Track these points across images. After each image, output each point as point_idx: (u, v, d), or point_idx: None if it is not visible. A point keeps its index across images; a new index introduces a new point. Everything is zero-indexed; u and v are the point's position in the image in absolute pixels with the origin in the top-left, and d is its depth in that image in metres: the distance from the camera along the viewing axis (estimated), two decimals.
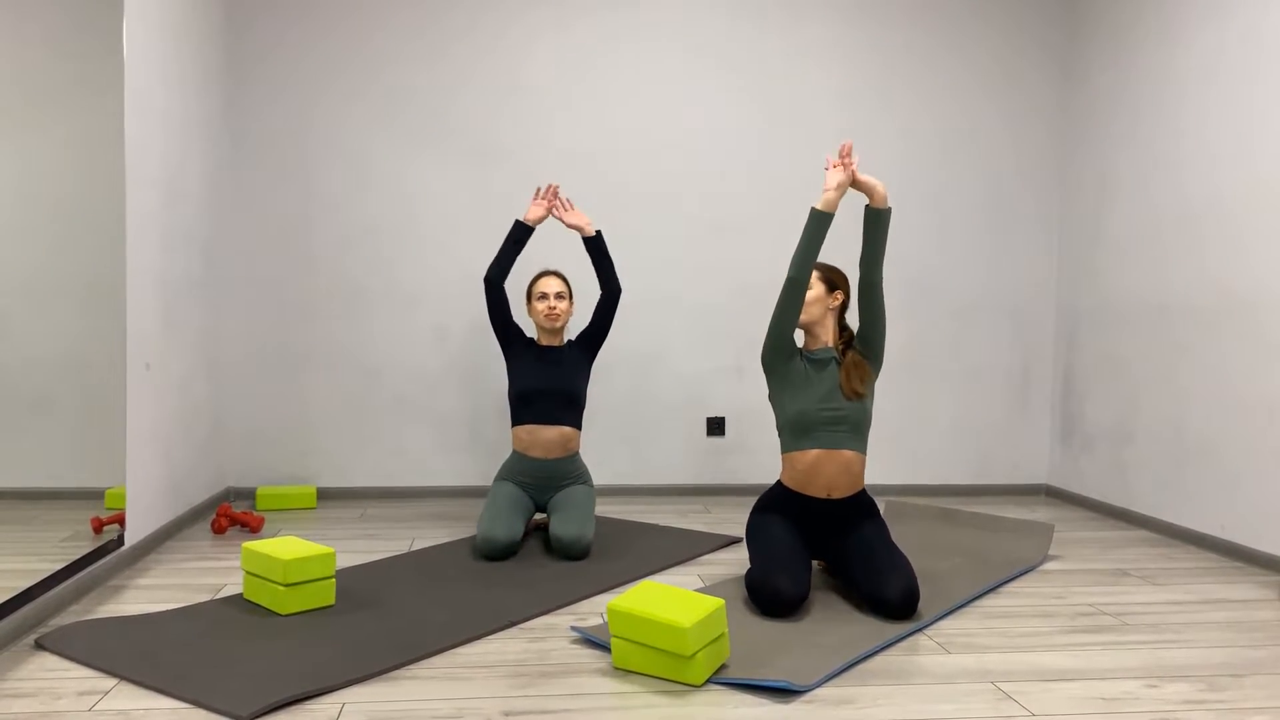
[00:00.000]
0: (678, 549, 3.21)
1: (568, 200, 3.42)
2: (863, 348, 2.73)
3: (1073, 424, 4.27)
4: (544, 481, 3.30)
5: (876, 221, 2.63)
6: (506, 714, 1.88)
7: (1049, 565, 3.12)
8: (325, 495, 4.13)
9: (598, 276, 3.37)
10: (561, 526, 3.06)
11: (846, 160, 2.62)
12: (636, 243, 4.20)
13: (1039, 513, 4.03)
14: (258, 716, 1.84)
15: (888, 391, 4.36)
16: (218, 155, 3.86)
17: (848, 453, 2.65)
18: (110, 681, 2.01)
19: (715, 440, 4.31)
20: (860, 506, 2.70)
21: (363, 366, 4.14)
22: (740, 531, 3.54)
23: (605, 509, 3.95)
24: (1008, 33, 4.37)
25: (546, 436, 3.27)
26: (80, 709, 1.87)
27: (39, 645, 2.20)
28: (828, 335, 2.74)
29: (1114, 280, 3.99)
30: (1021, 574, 2.98)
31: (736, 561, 3.10)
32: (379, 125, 4.11)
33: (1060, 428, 4.38)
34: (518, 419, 3.30)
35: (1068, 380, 4.33)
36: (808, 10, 4.27)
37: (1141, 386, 3.79)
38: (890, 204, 2.65)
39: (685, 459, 4.30)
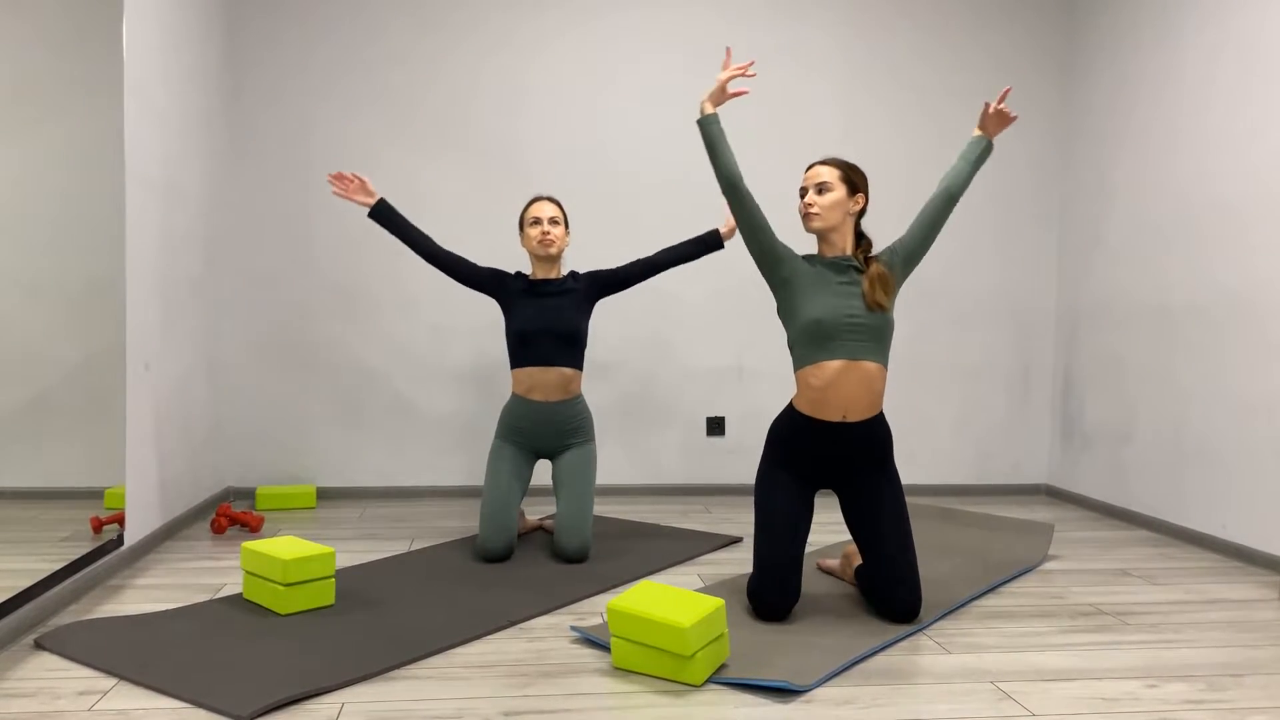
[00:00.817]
0: (678, 549, 3.21)
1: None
2: (906, 253, 2.56)
3: (1073, 424, 4.27)
4: (546, 427, 3.13)
5: (980, 151, 2.57)
6: (506, 714, 1.88)
7: (1049, 565, 3.12)
8: (325, 495, 4.13)
9: (673, 257, 3.21)
10: (564, 535, 3.03)
11: (735, 74, 2.55)
12: (637, 242, 4.19)
13: (1039, 513, 4.03)
14: (257, 716, 1.84)
15: (888, 391, 4.36)
16: (217, 155, 3.86)
17: (869, 364, 2.43)
18: (110, 681, 2.01)
19: (715, 440, 4.31)
20: (877, 441, 2.51)
21: (363, 366, 4.14)
22: (740, 531, 3.53)
23: (605, 509, 3.95)
24: (1008, 33, 4.37)
25: (546, 379, 3.10)
26: (80, 709, 1.87)
27: (38, 645, 2.20)
28: (845, 243, 2.54)
29: (1114, 280, 3.99)
30: (1021, 574, 2.98)
31: (736, 561, 3.10)
32: (379, 124, 4.11)
33: (1060, 427, 4.38)
34: (515, 361, 3.13)
35: (1068, 380, 4.32)
36: (808, 11, 4.27)
37: (1142, 386, 3.79)
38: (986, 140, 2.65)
39: (685, 459, 4.30)
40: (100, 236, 2.64)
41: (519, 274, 3.21)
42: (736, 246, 4.25)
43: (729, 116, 4.24)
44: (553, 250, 3.13)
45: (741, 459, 4.31)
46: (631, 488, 4.27)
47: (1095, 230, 4.14)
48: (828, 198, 2.50)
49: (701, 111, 2.54)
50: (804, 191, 2.54)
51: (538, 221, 3.12)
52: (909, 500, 3.71)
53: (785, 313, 2.54)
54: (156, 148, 3.14)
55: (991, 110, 2.60)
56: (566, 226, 3.20)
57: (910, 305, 4.36)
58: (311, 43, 4.06)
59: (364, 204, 3.10)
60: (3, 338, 2.16)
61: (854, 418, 2.47)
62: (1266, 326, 3.15)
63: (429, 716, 1.86)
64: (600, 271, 3.22)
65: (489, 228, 4.13)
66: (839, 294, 2.46)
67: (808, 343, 2.46)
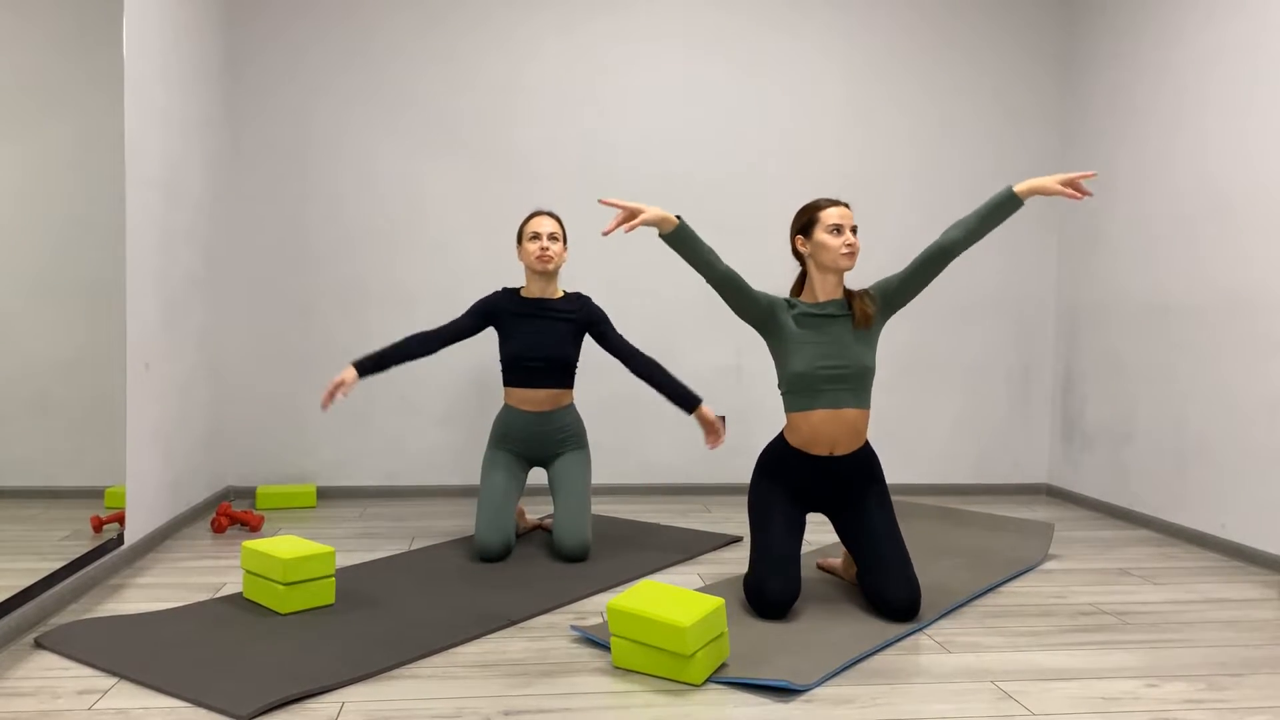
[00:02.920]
0: (678, 548, 3.21)
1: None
2: (888, 298, 2.61)
3: (1073, 423, 4.27)
4: (538, 435, 3.18)
5: (1011, 207, 2.52)
6: (506, 713, 1.88)
7: (1049, 565, 3.12)
8: (325, 494, 4.13)
9: (646, 378, 3.18)
10: (564, 531, 3.04)
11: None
12: (638, 242, 4.20)
13: (1039, 512, 4.03)
14: (257, 715, 1.84)
15: (888, 391, 4.36)
16: (218, 154, 3.86)
17: (852, 411, 2.55)
18: (110, 680, 2.01)
19: None
20: (863, 465, 2.62)
21: None
22: (740, 531, 3.54)
23: (605, 509, 3.95)
24: (1008, 33, 4.36)
25: (536, 397, 3.16)
26: (80, 708, 1.87)
27: (38, 644, 2.20)
28: (841, 288, 2.63)
29: (1114, 280, 3.99)
30: (1022, 574, 2.98)
31: (736, 561, 3.10)
32: (380, 124, 4.10)
33: (1060, 427, 4.38)
34: (508, 380, 3.18)
35: (1068, 379, 4.32)
36: (810, 11, 4.27)
37: (1142, 386, 3.79)
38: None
39: (685, 459, 4.30)
40: (101, 236, 2.64)
41: (508, 291, 3.21)
42: (738, 247, 4.26)
43: (730, 117, 4.24)
44: (550, 266, 3.13)
45: (741, 459, 4.31)
46: (631, 488, 4.27)
47: (1095, 230, 4.13)
48: (858, 239, 2.59)
49: (662, 231, 2.52)
50: (838, 230, 2.55)
51: (536, 237, 3.12)
52: (909, 500, 3.71)
53: (774, 358, 2.66)
54: (157, 147, 3.14)
55: (1063, 184, 2.50)
56: (565, 242, 3.20)
57: (911, 305, 4.36)
58: (311, 42, 4.06)
59: (343, 391, 2.95)
60: (3, 337, 2.16)
61: (840, 452, 2.60)
62: (1266, 326, 3.15)
63: (429, 716, 1.86)
64: (601, 326, 3.19)
65: (487, 227, 4.13)
66: (822, 346, 2.56)
67: (793, 392, 2.59)
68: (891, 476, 4.39)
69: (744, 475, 4.31)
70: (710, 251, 2.55)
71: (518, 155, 4.16)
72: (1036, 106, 4.39)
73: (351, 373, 2.98)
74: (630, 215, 2.49)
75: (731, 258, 4.25)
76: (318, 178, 4.09)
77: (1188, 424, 3.52)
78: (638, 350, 3.22)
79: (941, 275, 4.36)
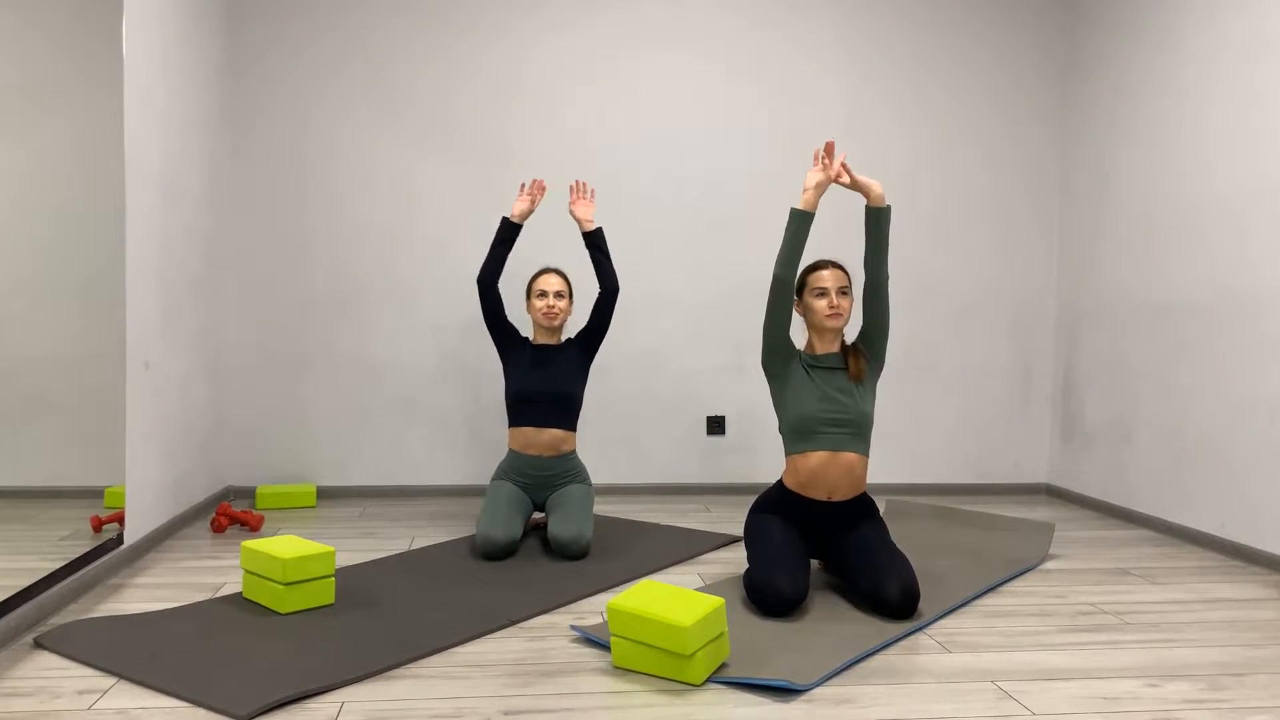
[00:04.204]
0: (678, 548, 3.21)
1: (587, 188, 3.40)
2: (867, 344, 2.73)
3: (1073, 423, 4.27)
4: (540, 480, 3.30)
5: (876, 221, 2.62)
6: (505, 713, 1.88)
7: (1049, 564, 3.12)
8: (325, 494, 4.13)
9: (596, 274, 3.36)
10: (559, 526, 3.06)
11: (827, 160, 2.62)
12: (637, 241, 4.20)
13: (1039, 512, 4.03)
14: (256, 715, 1.84)
15: (888, 391, 4.36)
16: (218, 154, 3.86)
17: (850, 455, 2.64)
18: (109, 680, 2.01)
19: (715, 439, 4.31)
20: (861, 509, 2.70)
21: (363, 366, 4.13)
22: (740, 530, 3.53)
23: (605, 509, 3.95)
24: (1008, 33, 4.36)
25: (539, 440, 3.27)
26: (79, 708, 1.87)
27: (38, 644, 2.20)
28: (839, 338, 2.74)
29: (1114, 279, 3.99)
30: (1022, 573, 2.98)
31: (736, 561, 3.10)
32: (380, 124, 4.10)
33: (1061, 427, 4.38)
34: (513, 421, 3.31)
35: (1068, 379, 4.32)
36: (809, 11, 4.27)
37: (1142, 385, 3.79)
38: (888, 202, 2.63)
39: (685, 458, 4.30)
40: (100, 235, 2.64)
41: (525, 339, 3.38)
42: (737, 246, 4.25)
43: (730, 117, 4.24)
44: (555, 323, 3.31)
45: (742, 458, 4.31)
46: (631, 487, 4.27)
47: (1095, 229, 4.13)
48: (848, 300, 2.68)
49: (804, 205, 2.62)
50: (823, 293, 2.67)
51: (544, 294, 3.30)
52: (909, 499, 3.71)
53: (777, 403, 2.73)
54: (157, 147, 3.14)
55: (835, 170, 2.61)
56: (571, 298, 3.36)
57: (911, 304, 4.36)
58: (310, 41, 4.06)
59: (518, 214, 3.30)
60: (3, 337, 2.16)
61: (838, 498, 2.66)
62: (1267, 325, 3.15)
63: (429, 715, 1.86)
64: (581, 330, 3.38)
65: (486, 226, 4.12)
66: (825, 393, 2.65)
67: (795, 434, 2.67)
68: (892, 476, 4.39)
69: (744, 475, 4.31)
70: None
71: (517, 154, 4.16)
72: (1036, 107, 4.39)
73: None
74: (845, 173, 2.62)
75: (731, 258, 4.25)
76: (317, 177, 4.09)
77: (1188, 424, 3.52)
78: (598, 296, 3.35)
79: (941, 275, 4.36)
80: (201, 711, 1.86)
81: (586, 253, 3.45)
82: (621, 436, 4.26)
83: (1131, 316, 3.87)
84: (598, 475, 4.25)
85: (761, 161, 4.26)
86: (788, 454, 2.70)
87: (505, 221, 3.30)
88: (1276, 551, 3.10)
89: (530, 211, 3.32)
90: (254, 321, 4.08)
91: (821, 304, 2.67)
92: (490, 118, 4.15)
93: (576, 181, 3.37)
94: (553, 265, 3.54)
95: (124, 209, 2.81)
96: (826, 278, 2.68)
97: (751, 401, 4.31)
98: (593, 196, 3.40)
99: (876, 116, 4.31)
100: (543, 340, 3.36)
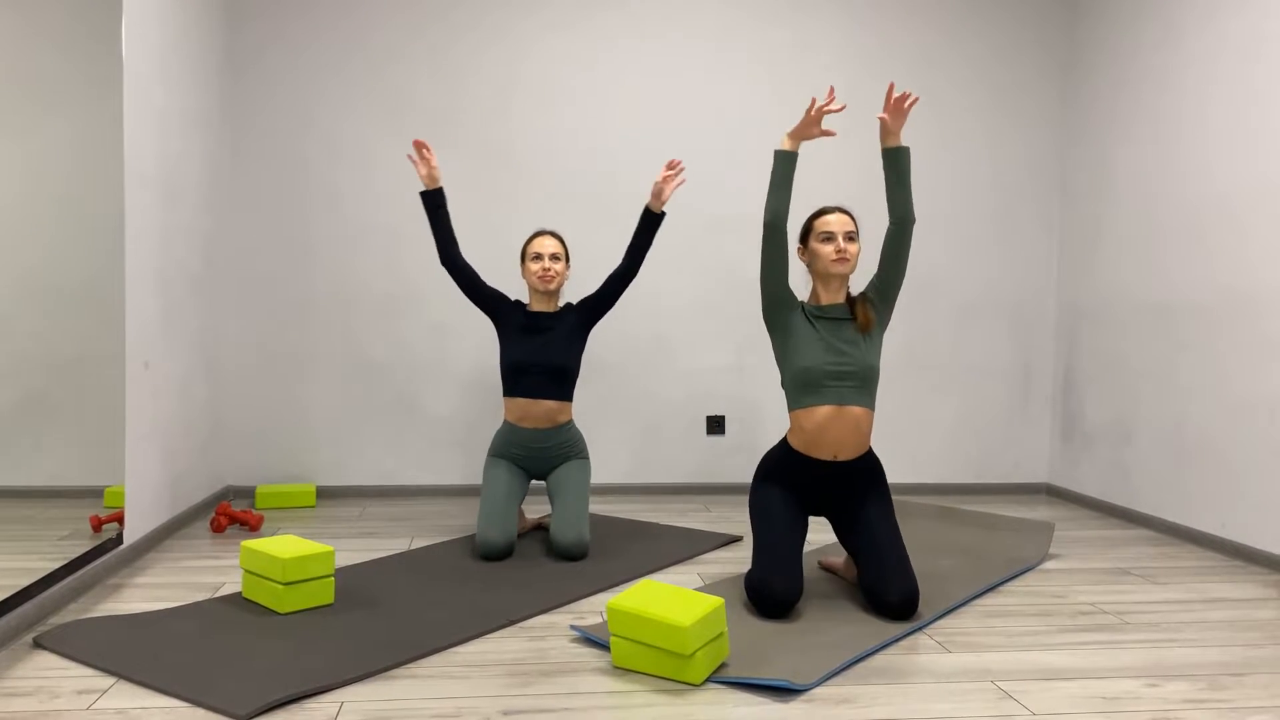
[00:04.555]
0: (678, 548, 3.21)
1: (682, 173, 3.31)
2: (880, 292, 2.64)
3: (1073, 423, 4.27)
4: (537, 452, 3.23)
5: (894, 161, 2.54)
6: (505, 713, 1.88)
7: (1049, 564, 3.12)
8: (325, 494, 4.13)
9: (630, 251, 3.22)
10: (560, 529, 3.05)
11: (823, 109, 2.56)
12: None
13: (1039, 512, 4.03)
14: (256, 715, 1.83)
15: (888, 391, 4.36)
16: (217, 153, 3.86)
17: (856, 409, 2.55)
18: (108, 680, 2.01)
19: (715, 439, 4.31)
20: (866, 471, 2.64)
21: (363, 366, 4.13)
22: (740, 530, 3.53)
23: (605, 508, 3.95)
24: (1009, 31, 4.36)
25: (535, 411, 3.19)
26: (78, 707, 1.87)
27: (37, 644, 2.19)
28: (845, 287, 2.66)
29: (1114, 279, 3.99)
30: (1021, 573, 2.98)
31: (736, 560, 3.10)
32: (380, 123, 4.10)
33: (1061, 427, 4.38)
34: (508, 390, 3.22)
35: (1068, 379, 4.32)
36: (810, 7, 4.27)
37: (1142, 385, 3.79)
38: (907, 143, 2.55)
39: (685, 457, 4.30)
40: (99, 235, 2.64)
41: (518, 303, 3.27)
42: (738, 244, 4.25)
43: (730, 114, 4.24)
44: (552, 286, 3.20)
45: (741, 458, 4.31)
46: (631, 487, 4.27)
47: (1096, 229, 4.13)
48: (856, 245, 2.60)
49: (782, 144, 2.58)
50: (829, 237, 2.59)
51: (539, 257, 3.19)
52: (909, 499, 3.71)
53: (780, 357, 2.66)
54: (156, 146, 3.14)
55: (888, 109, 2.54)
56: (567, 261, 3.27)
57: (910, 304, 4.36)
58: (310, 41, 4.05)
59: (425, 179, 3.15)
60: (2, 337, 2.16)
61: (844, 457, 2.60)
62: (1267, 325, 3.15)
63: (428, 715, 1.86)
64: (587, 297, 3.28)
65: (485, 225, 4.13)
66: (830, 344, 2.58)
67: (799, 388, 2.59)
68: (892, 476, 4.39)
69: (744, 475, 4.31)
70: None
71: (516, 153, 4.16)
72: (1037, 105, 4.39)
73: (439, 184, 3.16)
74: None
75: (731, 255, 4.25)
76: (317, 176, 4.08)
77: (1188, 423, 3.52)
78: (611, 273, 3.25)
79: (941, 274, 4.36)
80: (201, 711, 1.86)
81: (633, 227, 3.30)
82: (621, 436, 4.26)
83: (1131, 316, 3.87)
84: (597, 475, 4.25)
85: (762, 161, 4.25)
86: (791, 409, 2.61)
87: (422, 195, 3.17)
88: (1276, 551, 3.09)
89: (432, 170, 3.13)
90: (254, 321, 4.08)
91: (828, 249, 2.57)
92: (490, 117, 4.15)
93: (675, 161, 3.20)
94: (548, 228, 3.48)
95: (123, 209, 2.81)
96: (833, 222, 2.60)
97: (752, 401, 4.31)
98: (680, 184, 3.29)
99: (877, 114, 4.30)
100: (539, 306, 3.25)
